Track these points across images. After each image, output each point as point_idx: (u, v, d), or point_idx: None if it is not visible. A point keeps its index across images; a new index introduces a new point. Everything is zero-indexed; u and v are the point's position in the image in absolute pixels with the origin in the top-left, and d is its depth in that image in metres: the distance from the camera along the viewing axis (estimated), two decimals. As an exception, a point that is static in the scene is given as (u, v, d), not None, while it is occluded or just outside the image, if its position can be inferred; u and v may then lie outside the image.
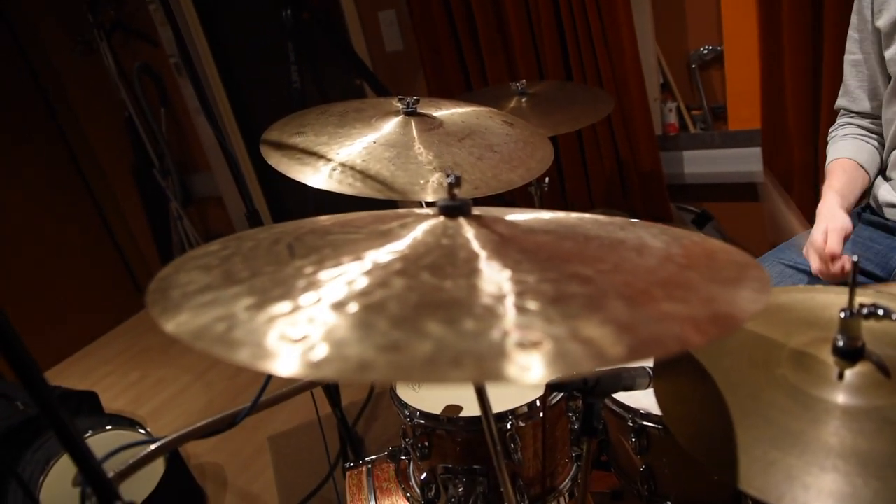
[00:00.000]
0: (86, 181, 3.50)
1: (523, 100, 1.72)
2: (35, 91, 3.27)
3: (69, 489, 1.59)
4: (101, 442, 1.69)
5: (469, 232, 0.56)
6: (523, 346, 0.40)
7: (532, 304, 0.44)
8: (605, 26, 2.00)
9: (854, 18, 1.26)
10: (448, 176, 0.58)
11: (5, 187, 3.14)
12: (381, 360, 0.39)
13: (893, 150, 1.25)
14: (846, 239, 1.11)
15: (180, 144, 3.65)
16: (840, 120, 1.37)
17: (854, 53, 1.28)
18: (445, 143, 1.09)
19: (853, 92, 1.32)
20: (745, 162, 2.09)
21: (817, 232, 1.13)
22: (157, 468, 1.75)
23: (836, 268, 1.09)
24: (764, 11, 1.80)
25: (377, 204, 1.00)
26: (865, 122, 1.32)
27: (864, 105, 1.31)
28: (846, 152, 1.29)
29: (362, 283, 0.48)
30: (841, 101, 1.36)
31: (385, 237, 0.56)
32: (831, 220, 1.13)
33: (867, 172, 1.27)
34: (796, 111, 1.85)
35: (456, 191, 0.59)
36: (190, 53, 1.33)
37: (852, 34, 1.27)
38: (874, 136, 1.31)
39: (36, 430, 1.79)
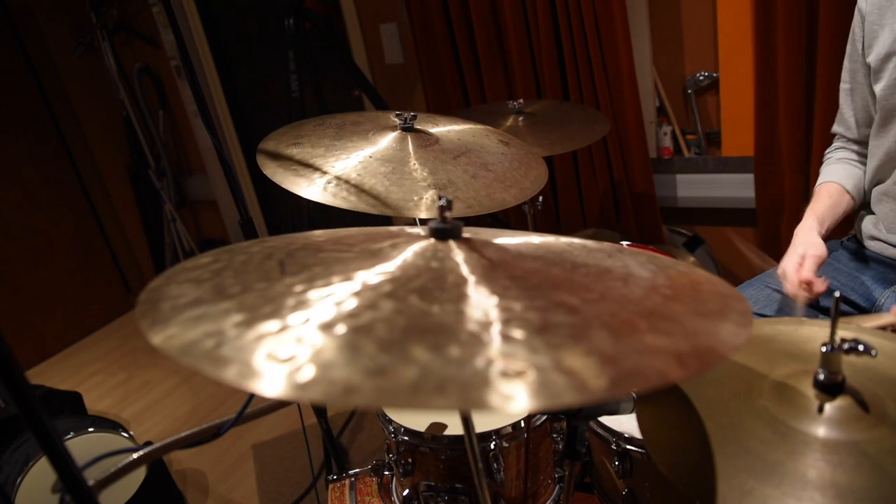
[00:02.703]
0: (81, 179, 3.50)
1: (520, 118, 1.74)
2: (34, 88, 3.27)
3: (48, 491, 1.57)
4: (82, 444, 1.67)
5: (459, 255, 0.57)
6: (507, 375, 0.40)
7: (517, 333, 0.45)
8: (603, 48, 2.03)
9: (849, 48, 1.28)
10: (440, 198, 0.58)
11: (1, 182, 3.13)
12: (366, 385, 0.39)
13: (878, 183, 1.27)
14: (820, 264, 1.17)
15: (177, 146, 3.65)
16: (835, 143, 1.41)
17: (846, 82, 1.30)
18: (441, 160, 1.10)
19: (847, 120, 1.34)
20: (738, 187, 2.11)
21: (792, 257, 1.19)
22: (138, 473, 1.73)
23: (809, 292, 1.15)
24: (759, 40, 1.83)
25: (370, 217, 1.00)
26: (858, 148, 1.35)
27: (856, 133, 1.33)
28: (834, 176, 1.33)
29: (351, 304, 0.48)
30: (836, 127, 1.39)
31: (376, 257, 0.57)
32: (809, 247, 1.18)
33: (853, 197, 1.31)
34: (789, 139, 1.88)
35: (447, 213, 0.59)
36: (190, 57, 1.34)
37: (846, 63, 1.30)
38: (866, 161, 1.34)
39: (16, 429, 1.78)
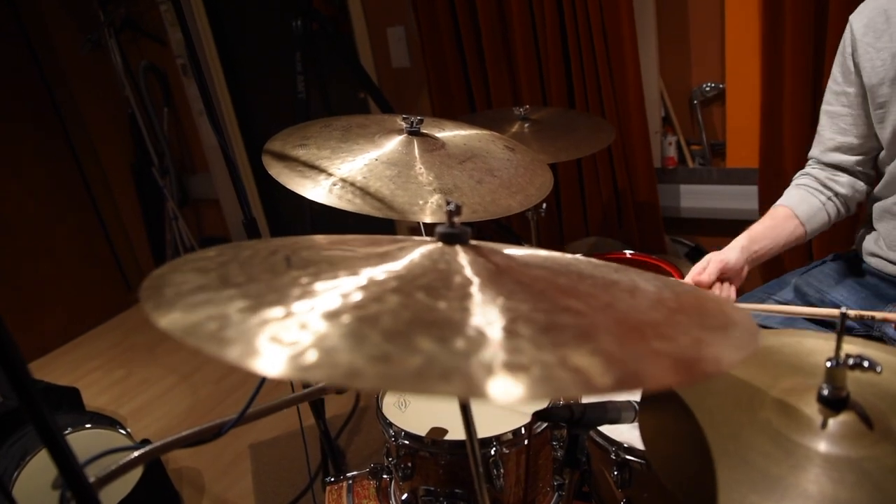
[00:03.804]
0: (84, 175, 3.50)
1: (525, 125, 1.74)
2: (40, 84, 3.28)
3: (45, 486, 1.57)
4: (79, 440, 1.67)
5: (465, 259, 0.57)
6: (511, 367, 0.40)
7: (523, 330, 0.45)
8: (610, 57, 2.03)
9: (836, 71, 1.26)
10: (448, 203, 0.58)
11: (3, 176, 3.13)
12: (370, 370, 0.39)
13: (881, 200, 1.27)
14: (728, 274, 1.20)
15: (181, 145, 3.66)
16: (804, 169, 1.36)
17: (831, 104, 1.28)
18: (446, 164, 1.10)
19: (825, 142, 1.30)
20: (741, 199, 2.11)
21: (700, 262, 1.22)
22: (135, 471, 1.73)
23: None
24: (767, 53, 1.83)
25: (374, 220, 1.00)
26: (827, 175, 1.31)
27: (833, 157, 1.30)
28: (788, 200, 1.31)
29: (357, 296, 0.48)
30: (812, 151, 1.35)
31: (382, 258, 0.57)
32: (717, 254, 1.22)
33: (802, 223, 1.28)
34: (794, 153, 1.88)
35: (456, 218, 0.59)
36: (198, 56, 1.34)
37: (832, 86, 1.27)
38: (827, 191, 1.30)
39: (14, 423, 1.77)
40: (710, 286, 1.18)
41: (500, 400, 0.38)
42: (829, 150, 1.30)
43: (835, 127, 1.28)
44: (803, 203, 1.29)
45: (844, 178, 1.30)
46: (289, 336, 0.43)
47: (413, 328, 0.45)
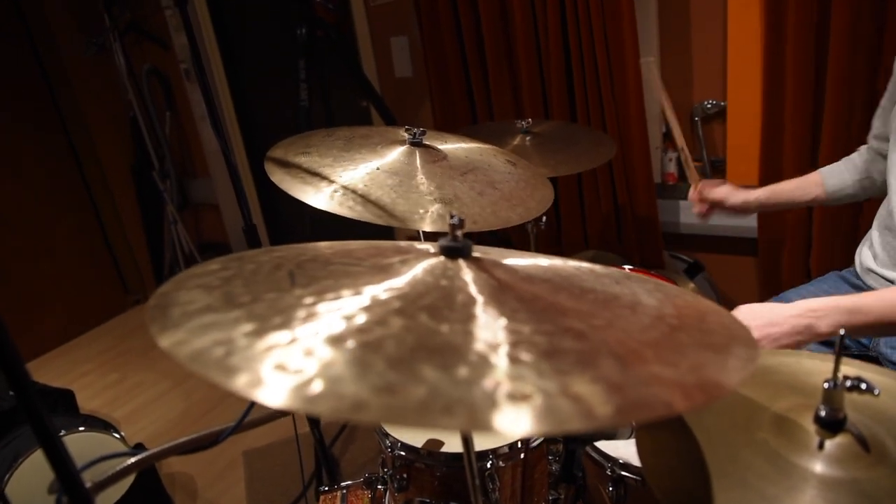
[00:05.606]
0: (84, 176, 3.50)
1: (527, 138, 1.75)
2: (42, 84, 3.28)
3: (37, 488, 1.56)
4: (73, 443, 1.66)
5: (468, 275, 0.57)
6: (514, 398, 0.40)
7: (525, 356, 0.45)
8: (612, 72, 2.04)
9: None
10: (452, 217, 0.59)
11: (3, 176, 3.13)
12: (375, 402, 0.39)
13: (879, 213, 1.27)
14: (718, 204, 1.56)
15: (182, 149, 3.66)
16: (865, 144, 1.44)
17: (886, 95, 1.32)
18: (448, 176, 1.10)
19: (872, 127, 1.38)
20: (740, 216, 2.11)
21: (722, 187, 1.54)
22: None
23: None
24: (768, 71, 1.84)
25: (373, 227, 1.01)
26: (869, 156, 1.39)
27: (874, 143, 1.37)
28: (825, 169, 1.46)
29: (361, 319, 0.48)
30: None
31: (385, 272, 0.57)
32: (735, 192, 1.53)
33: (825, 193, 1.43)
34: (793, 170, 1.88)
35: (458, 232, 0.59)
36: (201, 60, 1.34)
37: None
38: (863, 172, 1.39)
39: (7, 425, 1.76)
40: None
41: (503, 433, 0.38)
42: (872, 137, 1.38)
43: (881, 114, 1.34)
44: (835, 177, 1.42)
45: (883, 165, 1.34)
46: (294, 363, 0.43)
47: (416, 355, 0.45)
